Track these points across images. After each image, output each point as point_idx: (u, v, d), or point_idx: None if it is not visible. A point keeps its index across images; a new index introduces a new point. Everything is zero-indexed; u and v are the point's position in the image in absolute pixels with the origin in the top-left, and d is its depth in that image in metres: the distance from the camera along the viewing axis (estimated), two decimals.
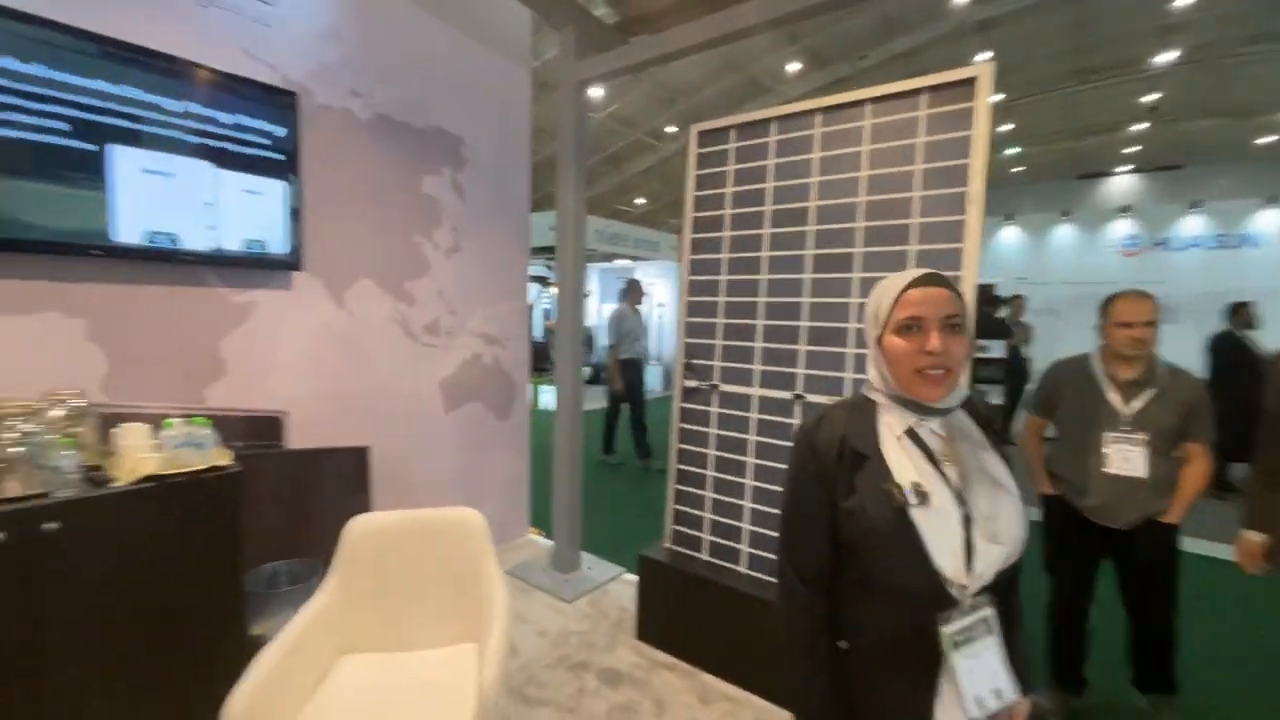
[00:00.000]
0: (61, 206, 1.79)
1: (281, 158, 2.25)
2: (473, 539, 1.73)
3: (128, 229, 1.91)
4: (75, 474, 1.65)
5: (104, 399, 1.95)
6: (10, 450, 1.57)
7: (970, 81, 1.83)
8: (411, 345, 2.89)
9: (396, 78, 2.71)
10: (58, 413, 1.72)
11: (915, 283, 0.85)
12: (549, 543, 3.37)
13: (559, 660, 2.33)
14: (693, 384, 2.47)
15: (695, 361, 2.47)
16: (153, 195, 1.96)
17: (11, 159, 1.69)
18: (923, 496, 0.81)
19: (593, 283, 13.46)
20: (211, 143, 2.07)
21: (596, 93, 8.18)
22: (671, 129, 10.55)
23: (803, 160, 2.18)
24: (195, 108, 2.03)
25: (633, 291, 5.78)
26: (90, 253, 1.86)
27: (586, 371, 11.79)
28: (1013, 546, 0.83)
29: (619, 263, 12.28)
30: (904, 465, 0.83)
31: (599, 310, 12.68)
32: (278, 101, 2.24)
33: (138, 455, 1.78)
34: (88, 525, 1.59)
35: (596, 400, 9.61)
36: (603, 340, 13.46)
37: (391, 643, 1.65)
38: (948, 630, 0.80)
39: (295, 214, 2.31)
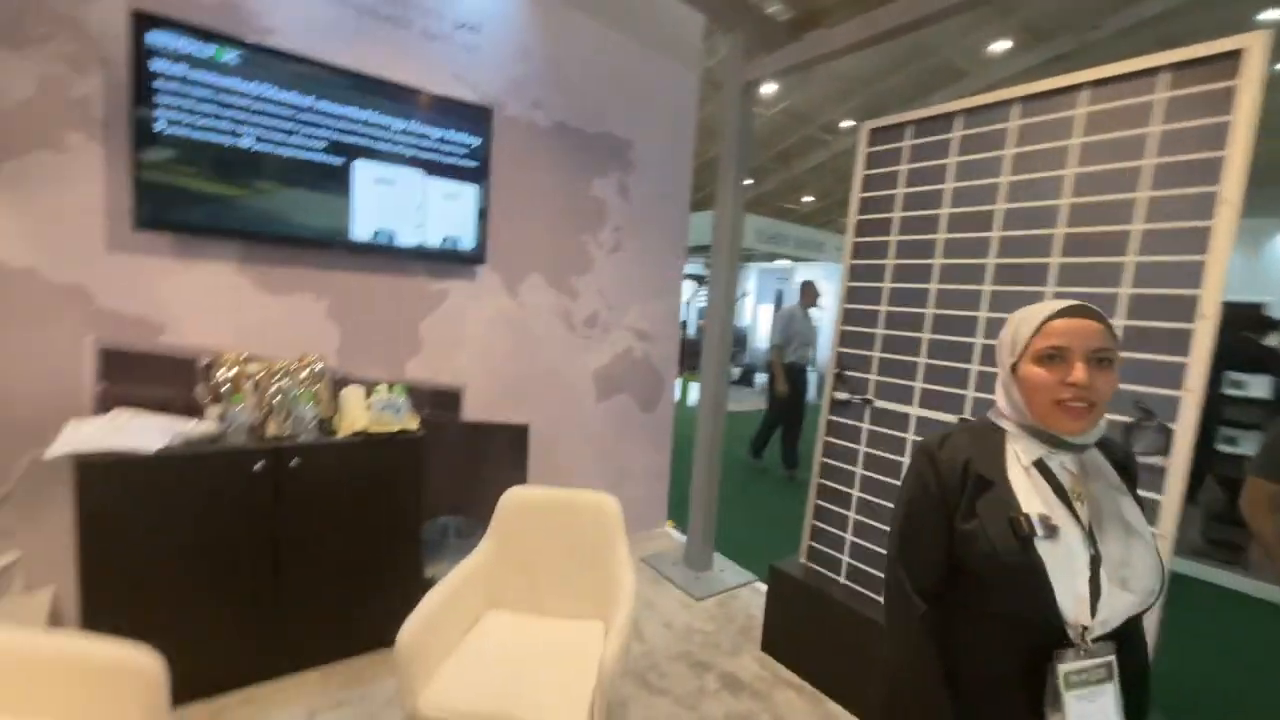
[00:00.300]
0: (319, 209, 2.24)
1: (475, 165, 2.57)
2: (608, 523, 1.83)
3: (361, 228, 2.34)
4: (312, 423, 2.07)
5: (336, 365, 2.41)
6: (272, 400, 2.02)
7: (1234, 55, 1.47)
8: (571, 336, 3.12)
9: (574, 88, 2.93)
10: (305, 374, 2.17)
11: (1062, 312, 0.82)
12: (683, 538, 3.43)
13: (682, 655, 2.37)
14: (843, 397, 2.34)
15: (848, 373, 2.33)
16: (380, 200, 2.37)
17: (290, 172, 2.16)
18: (1051, 530, 0.78)
19: (750, 282, 13.26)
20: (423, 154, 2.44)
21: (769, 89, 7.99)
22: (847, 123, 9.92)
23: (991, 158, 1.93)
24: (414, 126, 2.40)
25: (806, 293, 5.51)
26: (334, 247, 2.31)
27: (735, 372, 11.69)
28: (1143, 596, 0.79)
29: (779, 263, 11.96)
30: (1031, 496, 0.81)
31: (754, 310, 12.48)
32: (476, 116, 2.56)
33: (354, 413, 2.18)
34: (317, 464, 1.99)
35: (743, 401, 9.53)
36: (757, 341, 13.28)
37: (530, 606, 1.82)
38: (1064, 668, 0.77)
39: (483, 214, 2.63)
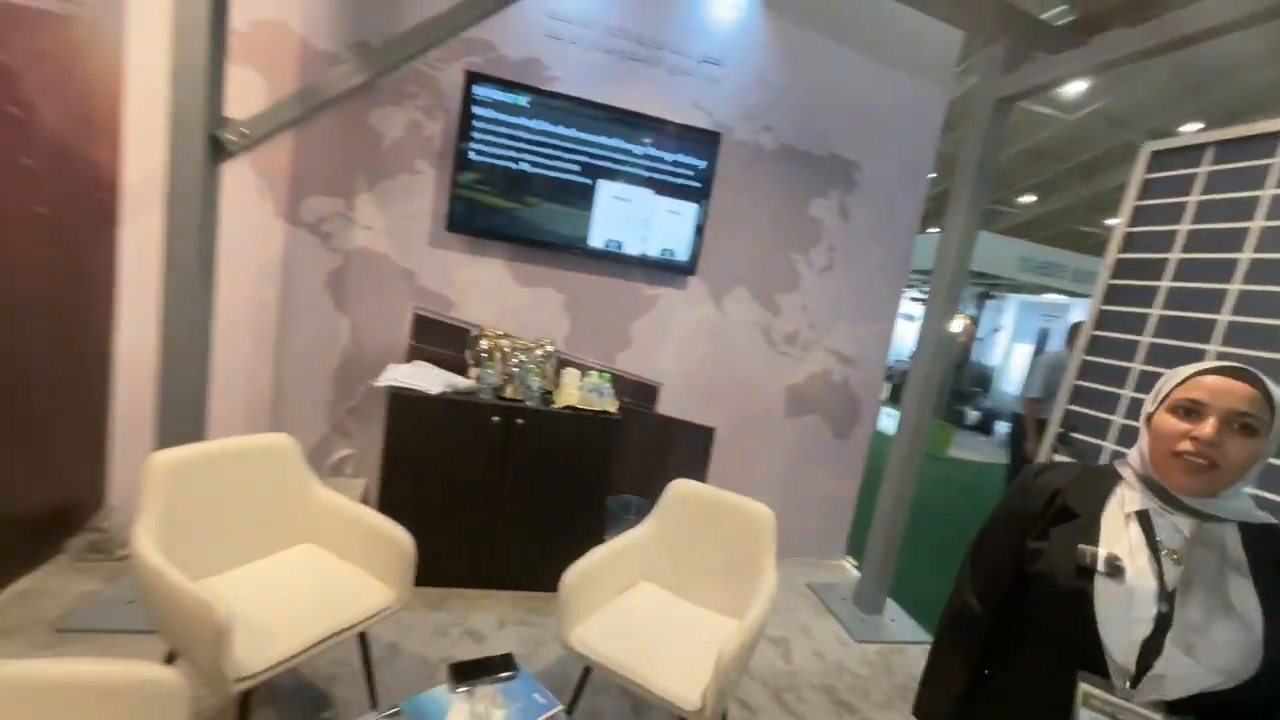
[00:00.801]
0: (567, 221, 2.74)
1: (699, 185, 2.83)
2: (759, 532, 1.91)
3: (596, 237, 2.78)
4: (537, 393, 2.55)
5: (563, 349, 2.90)
6: (513, 369, 2.55)
7: None
8: (768, 350, 3.21)
9: (807, 111, 2.99)
10: (538, 353, 2.68)
11: (1216, 369, 0.79)
12: (858, 574, 3.26)
13: (825, 688, 2.32)
14: (1065, 460, 2.01)
15: (1075, 435, 2.00)
16: (614, 215, 2.78)
17: (548, 189, 2.69)
18: (1114, 570, 0.78)
19: (1007, 316, 11.45)
20: (656, 176, 2.78)
21: (1075, 88, 6.73)
22: (1191, 126, 7.79)
23: None
24: (651, 150, 2.76)
25: (1076, 337, 4.66)
26: (574, 251, 2.79)
27: (972, 415, 10.18)
28: (1215, 674, 0.73)
29: (1049, 297, 10.06)
30: (1116, 539, 0.81)
31: (1007, 349, 10.73)
32: (706, 140, 2.81)
33: (569, 390, 2.61)
34: (537, 426, 2.46)
35: (976, 450, 8.23)
36: (1006, 384, 11.32)
37: (676, 587, 2.00)
38: (1085, 687, 0.77)
39: (699, 230, 2.88)
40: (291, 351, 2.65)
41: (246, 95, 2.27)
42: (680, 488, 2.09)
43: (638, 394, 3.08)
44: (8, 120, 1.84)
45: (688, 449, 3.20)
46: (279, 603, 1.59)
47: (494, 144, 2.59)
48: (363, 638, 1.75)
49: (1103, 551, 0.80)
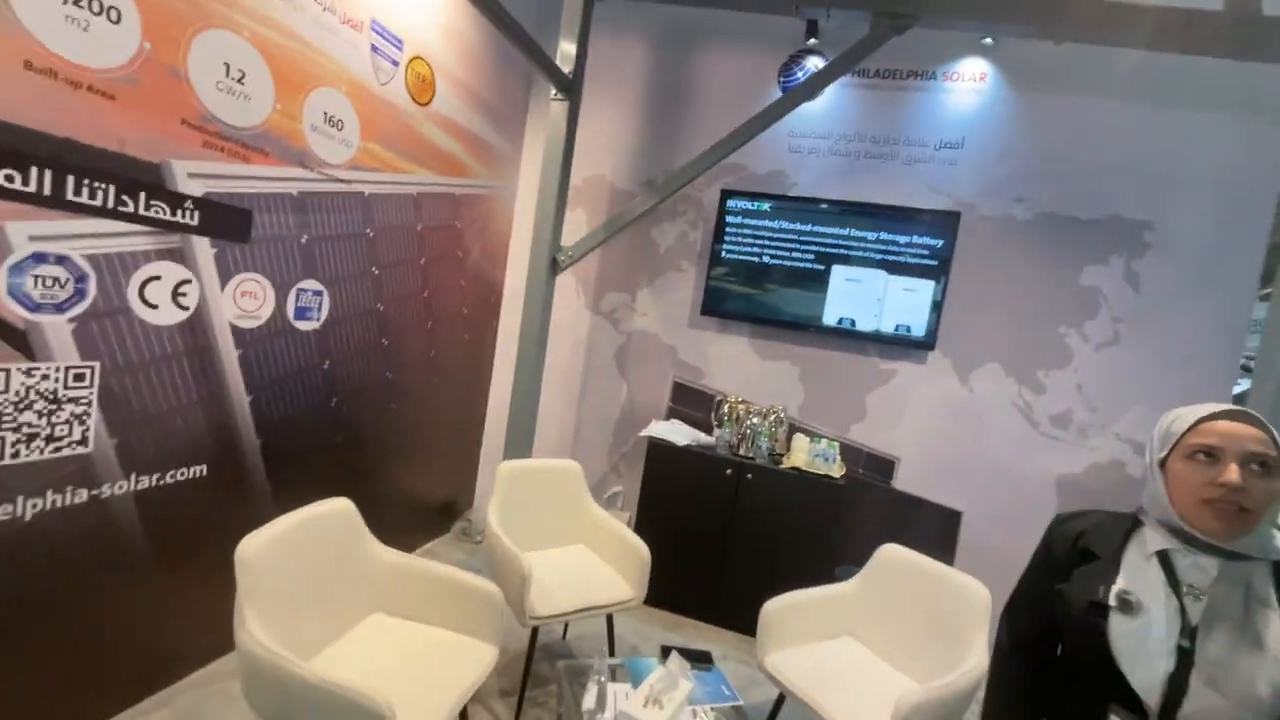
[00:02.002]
0: (801, 302, 3.09)
1: (935, 264, 2.89)
2: (974, 611, 1.84)
3: (829, 316, 3.06)
4: (766, 453, 2.88)
5: (795, 416, 3.18)
6: (746, 430, 2.95)
7: None
8: (1029, 432, 2.91)
9: (1069, 175, 2.81)
10: (770, 417, 3.02)
11: (1222, 414, 0.82)
12: None
13: None
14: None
15: None
16: (846, 295, 3.03)
17: (785, 276, 3.10)
18: (1126, 604, 0.82)
19: None
20: (889, 258, 2.96)
21: None
22: None
23: None
24: (885, 236, 2.96)
25: None
26: (808, 329, 3.11)
27: None
28: (1244, 709, 0.74)
29: None
30: (1135, 577, 0.84)
31: None
32: (944, 221, 2.88)
33: (797, 454, 2.88)
34: (764, 482, 2.78)
35: None
36: None
37: (879, 647, 2.02)
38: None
39: (936, 306, 2.90)
40: (587, 405, 3.55)
41: (573, 226, 3.32)
42: (890, 552, 2.14)
43: (873, 466, 3.12)
44: (455, 260, 3.14)
45: (929, 529, 3.05)
46: (560, 579, 2.23)
47: (741, 242, 3.16)
48: (609, 620, 2.28)
49: (1115, 587, 0.84)
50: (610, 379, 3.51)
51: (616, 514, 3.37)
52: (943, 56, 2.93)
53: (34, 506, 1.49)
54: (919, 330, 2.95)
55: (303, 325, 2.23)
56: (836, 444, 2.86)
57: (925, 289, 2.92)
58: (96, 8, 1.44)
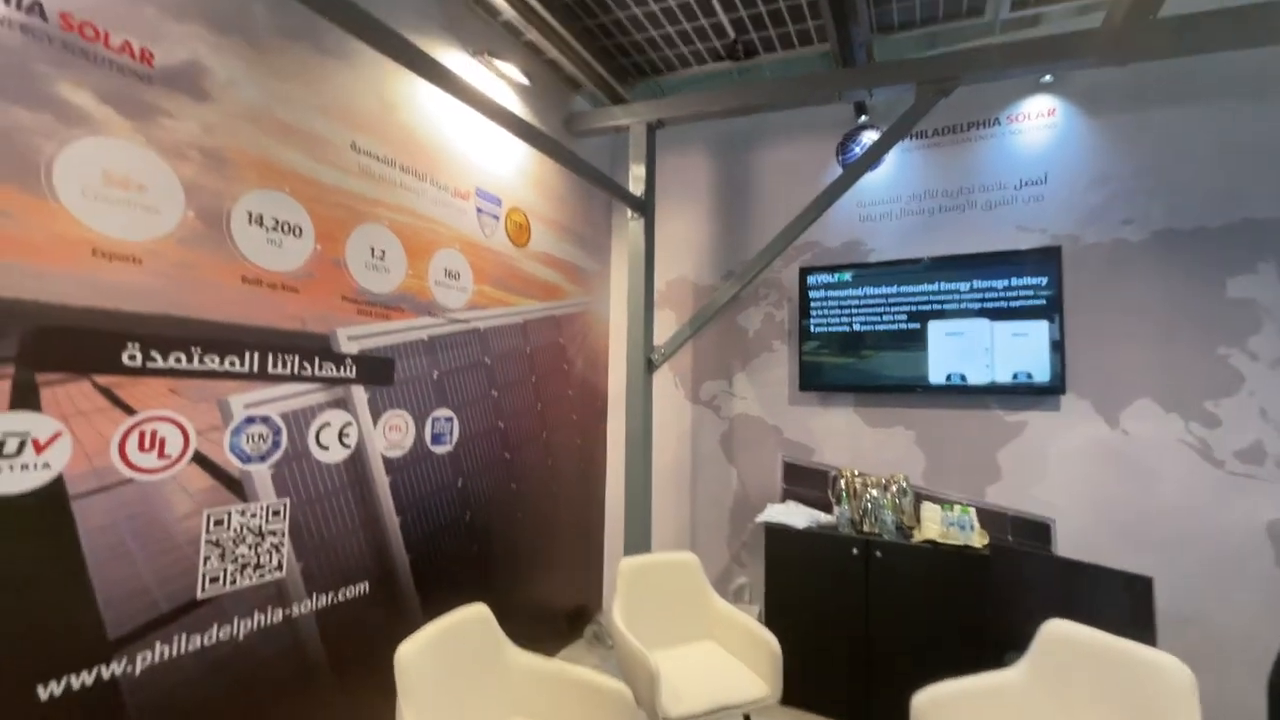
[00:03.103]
0: (901, 364, 3.00)
1: (1043, 302, 2.72)
2: (1176, 696, 1.55)
3: (935, 373, 2.93)
4: (892, 527, 2.70)
5: (920, 484, 2.98)
6: (867, 505, 2.81)
7: None
8: (1214, 473, 2.49)
9: (1180, 187, 2.59)
10: (892, 488, 2.86)
11: None
12: None
13: None
14: None
15: None
16: (950, 349, 2.90)
17: (880, 340, 3.05)
18: None
19: None
20: (988, 304, 2.83)
21: None
22: None
23: None
24: (979, 283, 2.86)
25: None
26: (915, 390, 2.98)
27: None
28: None
29: None
30: None
31: None
32: (1042, 257, 2.74)
33: (929, 525, 2.67)
34: (895, 559, 2.59)
35: None
36: None
37: None
38: None
39: (1056, 346, 2.69)
40: (699, 495, 3.57)
41: (663, 326, 3.54)
42: (1058, 629, 1.88)
43: (1024, 531, 2.79)
44: (562, 373, 3.44)
45: (1112, 600, 2.61)
46: (691, 678, 2.19)
47: (828, 315, 3.18)
48: (746, 718, 2.16)
49: None
50: (719, 467, 3.53)
51: (745, 607, 3.25)
52: (1003, 101, 2.93)
53: (245, 627, 1.79)
54: (1041, 375, 2.72)
55: (438, 449, 2.55)
56: (972, 510, 2.62)
57: (1038, 331, 2.73)
58: (287, 229, 1.93)
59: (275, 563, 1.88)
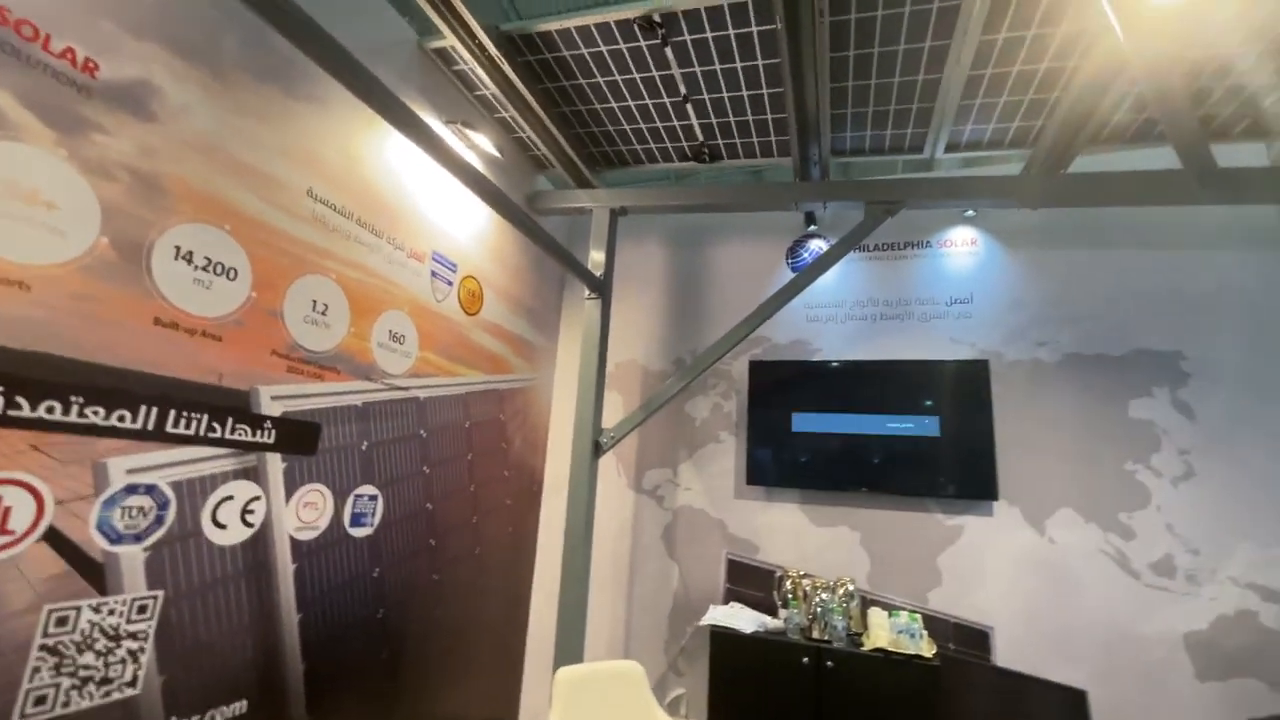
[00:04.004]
0: (845, 462, 3.04)
1: (975, 410, 2.88)
2: None
3: (877, 472, 2.98)
4: (843, 633, 2.60)
5: (865, 587, 2.93)
6: (816, 609, 2.70)
7: None
8: (1132, 584, 2.62)
9: (1084, 317, 2.92)
10: (840, 592, 2.78)
11: None
12: None
13: None
14: None
15: None
16: (889, 449, 2.98)
17: (825, 438, 3.09)
18: None
19: None
20: (926, 408, 2.96)
21: None
22: None
23: None
24: (915, 386, 3.01)
25: None
26: (859, 489, 3.01)
27: None
28: None
29: None
30: None
31: None
32: (973, 369, 2.95)
33: (877, 632, 2.59)
34: (848, 669, 2.47)
35: None
36: None
37: None
38: None
39: (987, 453, 2.82)
40: (637, 594, 3.32)
41: (612, 407, 3.43)
42: None
43: (964, 639, 2.77)
44: (500, 451, 3.21)
45: (1052, 715, 2.59)
46: None
47: (773, 408, 3.21)
48: None
49: None
50: (660, 562, 3.33)
51: None
52: (934, 227, 3.25)
53: None
54: (975, 479, 2.83)
55: (357, 532, 2.22)
56: (919, 616, 2.59)
57: (970, 436, 2.87)
58: (220, 270, 1.71)
59: (129, 676, 1.48)
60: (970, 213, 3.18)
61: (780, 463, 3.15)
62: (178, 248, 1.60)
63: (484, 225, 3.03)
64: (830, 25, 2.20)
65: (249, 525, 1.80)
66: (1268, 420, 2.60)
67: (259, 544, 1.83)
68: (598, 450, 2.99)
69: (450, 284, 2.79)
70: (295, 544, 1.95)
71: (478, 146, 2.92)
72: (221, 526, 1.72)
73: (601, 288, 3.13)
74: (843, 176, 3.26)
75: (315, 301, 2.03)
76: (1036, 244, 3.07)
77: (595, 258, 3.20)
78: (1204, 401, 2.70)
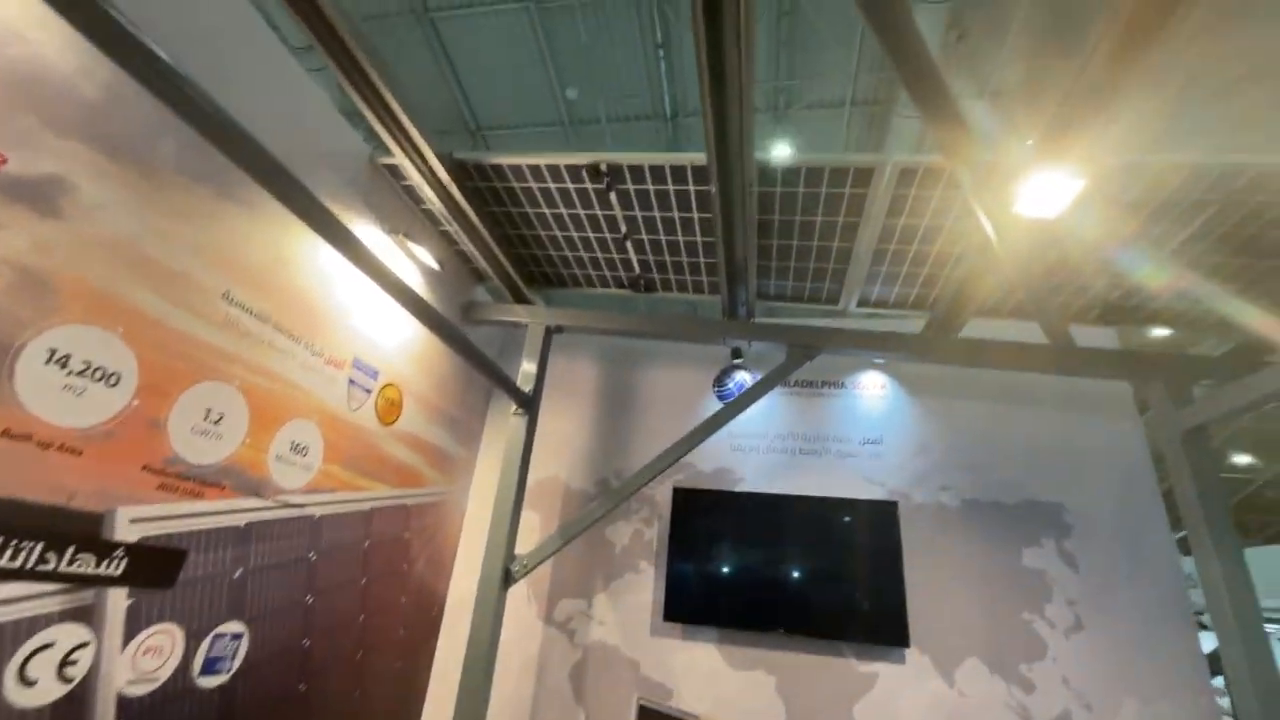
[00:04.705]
0: (764, 600, 2.98)
1: (885, 551, 2.95)
2: None
3: (794, 613, 2.93)
4: None
5: None
6: None
7: None
8: None
9: (980, 466, 3.15)
10: None
11: None
12: None
13: None
14: None
15: None
16: (808, 589, 2.96)
17: (744, 574, 3.04)
18: None
19: None
20: (841, 546, 3.01)
21: None
22: None
23: None
24: (832, 523, 3.07)
25: None
26: (777, 629, 2.93)
27: None
28: None
29: None
30: None
31: None
32: (883, 509, 3.06)
33: None
34: None
35: None
36: None
37: None
38: None
39: (898, 598, 2.86)
40: None
41: (527, 528, 3.25)
42: None
43: None
44: (400, 574, 2.92)
45: None
46: None
47: (696, 538, 3.16)
48: None
49: None
50: (564, 708, 3.02)
51: None
52: (849, 370, 3.50)
53: None
54: (887, 625, 2.84)
55: (208, 681, 1.88)
56: None
57: (882, 578, 2.92)
58: (99, 376, 1.54)
59: None
60: (880, 360, 3.46)
61: (699, 598, 3.05)
62: (53, 351, 1.44)
63: (413, 332, 2.97)
64: (759, 194, 2.46)
65: (66, 681, 1.48)
66: (1141, 575, 2.82)
67: (74, 704, 1.50)
68: (508, 579, 2.78)
69: (369, 392, 2.66)
70: (124, 703, 1.62)
71: (417, 257, 2.93)
72: (29, 684, 1.41)
73: (529, 404, 3.09)
74: (768, 317, 3.50)
75: (210, 410, 1.86)
76: (937, 394, 3.36)
77: (527, 369, 3.18)
78: (1086, 553, 2.90)
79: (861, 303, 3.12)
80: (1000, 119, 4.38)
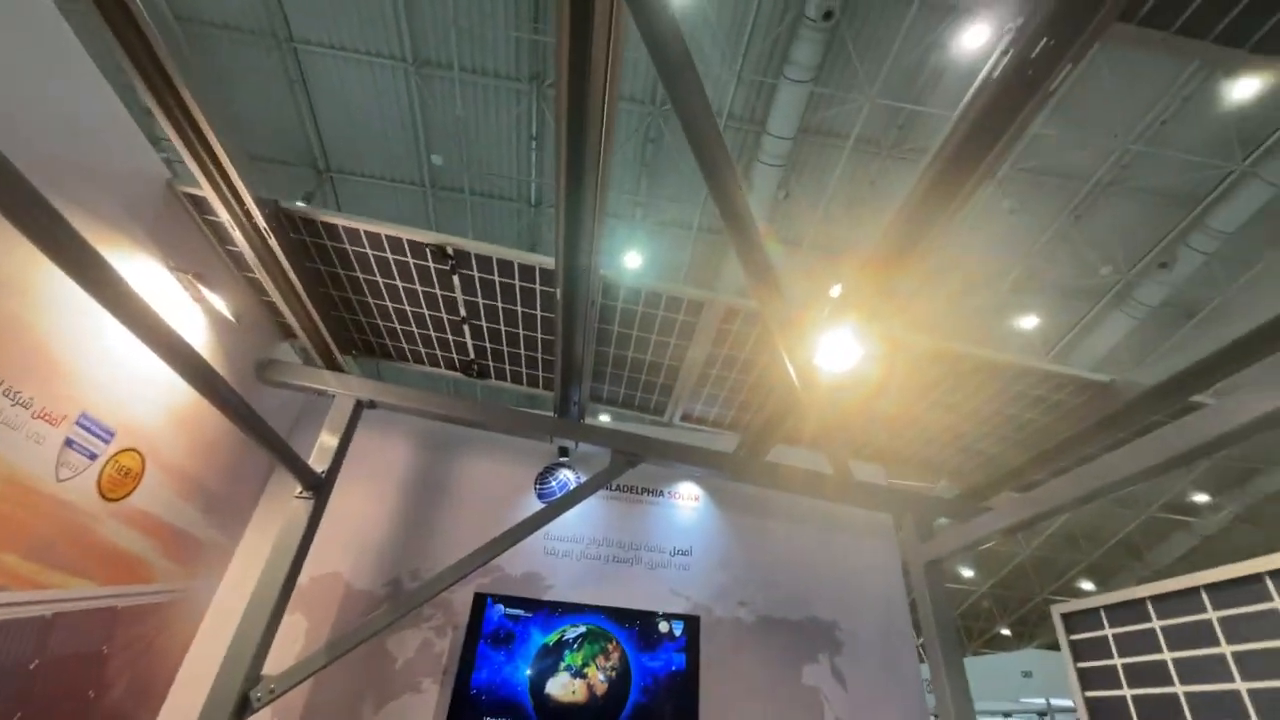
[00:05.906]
0: (570, 706, 2.76)
1: (684, 666, 2.95)
2: None
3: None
4: None
5: None
6: None
7: None
8: None
9: (772, 583, 3.38)
10: None
11: None
12: None
13: None
14: None
15: None
16: (612, 713, 2.81)
17: (550, 701, 2.81)
18: None
19: None
20: (649, 662, 2.94)
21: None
22: (1203, 497, 9.39)
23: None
24: (641, 636, 3.01)
25: None
26: None
27: None
28: None
29: None
30: None
31: None
32: (687, 623, 3.08)
33: None
34: None
35: None
36: None
37: None
38: None
39: (692, 711, 2.85)
40: None
41: (288, 637, 2.69)
42: None
43: None
44: (78, 704, 2.19)
45: None
46: None
47: (496, 652, 2.87)
48: None
49: None
50: None
51: None
52: (667, 479, 3.62)
53: None
54: None
55: None
56: None
57: (680, 702, 2.89)
58: None
59: None
60: (697, 472, 3.64)
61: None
62: None
63: (180, 386, 2.45)
64: (600, 307, 2.55)
65: None
66: (894, 700, 3.15)
67: None
68: (245, 709, 2.23)
69: (94, 458, 2.09)
70: None
71: (208, 302, 2.50)
72: None
73: (320, 486, 2.67)
74: (596, 420, 3.54)
75: None
76: (741, 510, 3.60)
77: (325, 444, 2.78)
78: (853, 670, 3.18)
79: (684, 417, 3.31)
80: (808, 275, 5.20)
